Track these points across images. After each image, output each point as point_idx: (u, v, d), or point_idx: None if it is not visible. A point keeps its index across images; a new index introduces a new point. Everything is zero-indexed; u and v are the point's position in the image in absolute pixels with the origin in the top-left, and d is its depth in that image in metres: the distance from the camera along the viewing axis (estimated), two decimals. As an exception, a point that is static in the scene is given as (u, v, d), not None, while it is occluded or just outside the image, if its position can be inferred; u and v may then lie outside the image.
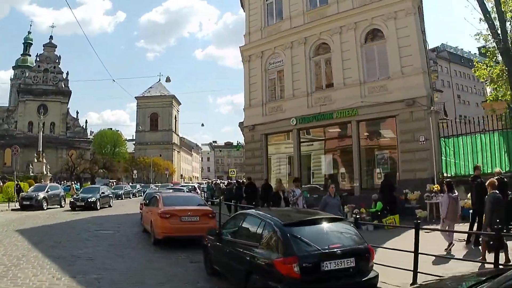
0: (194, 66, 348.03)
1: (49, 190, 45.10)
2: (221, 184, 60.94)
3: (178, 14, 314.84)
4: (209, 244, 14.57)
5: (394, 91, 29.97)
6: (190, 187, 56.65)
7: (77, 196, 44.70)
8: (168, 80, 52.27)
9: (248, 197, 32.76)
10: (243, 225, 12.39)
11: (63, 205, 46.48)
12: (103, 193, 46.21)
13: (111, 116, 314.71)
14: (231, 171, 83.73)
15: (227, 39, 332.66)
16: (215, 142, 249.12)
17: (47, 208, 42.48)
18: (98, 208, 42.38)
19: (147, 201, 26.74)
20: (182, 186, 61.82)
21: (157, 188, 60.41)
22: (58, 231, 25.32)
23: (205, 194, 53.24)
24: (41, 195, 42.78)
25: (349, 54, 32.58)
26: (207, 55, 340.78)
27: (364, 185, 31.39)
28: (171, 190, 41.64)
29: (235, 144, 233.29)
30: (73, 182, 77.01)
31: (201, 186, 69.78)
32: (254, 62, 38.79)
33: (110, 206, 46.91)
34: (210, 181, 77.24)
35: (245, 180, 42.60)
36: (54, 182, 69.55)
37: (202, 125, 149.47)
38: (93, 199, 42.67)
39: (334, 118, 32.54)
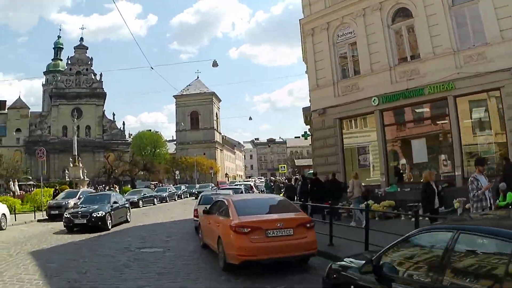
0: (229, 65, 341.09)
1: (81, 196, 39.66)
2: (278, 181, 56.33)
3: (209, 14, 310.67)
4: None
5: (495, 58, 24.67)
6: (246, 185, 51.58)
7: (75, 209, 30.78)
8: (215, 64, 47.15)
9: (315, 196, 27.53)
10: (456, 254, 5.93)
11: (99, 213, 41.89)
12: (115, 202, 32.75)
13: (148, 118, 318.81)
14: (281, 167, 78.97)
15: (260, 37, 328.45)
16: (257, 139, 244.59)
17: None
18: (109, 226, 29.34)
19: (207, 207, 18.83)
20: (236, 185, 56.88)
21: (211, 189, 54.87)
22: (86, 253, 19.42)
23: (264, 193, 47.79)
24: (72, 202, 37.90)
25: (436, 19, 27.31)
26: (242, 54, 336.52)
27: (466, 173, 25.77)
28: (230, 191, 31.24)
29: (277, 140, 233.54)
30: (114, 186, 74.48)
31: (256, 184, 63.66)
32: (319, 36, 33.49)
33: (127, 221, 33.77)
34: (267, 178, 70.61)
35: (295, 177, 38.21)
36: (91, 187, 68.82)
37: (250, 118, 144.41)
38: (101, 213, 29.06)
39: (426, 95, 27.20)
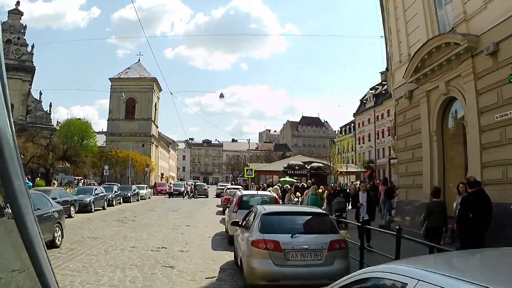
0: (164, 65, 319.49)
1: None
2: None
3: (150, 12, 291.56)
4: None
5: None
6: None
7: None
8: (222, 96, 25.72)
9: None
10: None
11: None
12: None
13: (80, 111, 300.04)
14: (247, 169, 55.95)
15: (198, 40, 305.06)
16: (191, 139, 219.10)
17: None
18: None
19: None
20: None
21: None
22: None
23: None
24: None
25: None
26: (177, 55, 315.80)
27: None
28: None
29: (214, 142, 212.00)
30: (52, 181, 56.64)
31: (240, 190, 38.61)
32: None
33: None
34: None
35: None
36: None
37: (222, 95, 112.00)
38: None
39: None
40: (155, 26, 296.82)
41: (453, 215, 15.84)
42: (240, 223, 15.23)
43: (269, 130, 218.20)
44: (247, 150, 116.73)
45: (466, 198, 13.55)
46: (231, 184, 77.98)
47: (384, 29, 52.97)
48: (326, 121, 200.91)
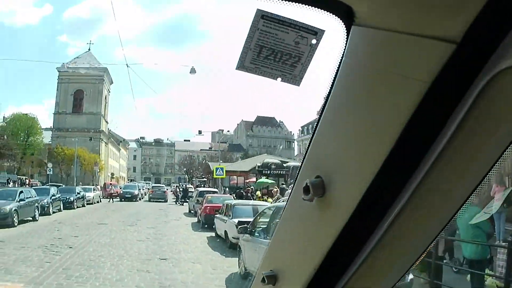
0: (113, 66, 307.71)
1: None
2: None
3: (103, 10, 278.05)
4: None
5: None
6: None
7: None
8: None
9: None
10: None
11: None
12: None
13: (32, 110, 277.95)
14: (217, 169, 45.95)
15: (148, 39, 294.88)
16: (142, 138, 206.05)
17: None
18: None
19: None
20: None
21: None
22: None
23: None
24: None
25: None
26: (128, 54, 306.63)
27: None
28: None
29: (166, 141, 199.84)
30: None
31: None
32: None
33: None
34: None
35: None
36: None
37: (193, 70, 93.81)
38: None
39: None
40: (107, 24, 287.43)
41: None
42: None
43: (222, 130, 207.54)
44: (200, 150, 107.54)
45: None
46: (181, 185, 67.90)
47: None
48: (282, 121, 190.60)
